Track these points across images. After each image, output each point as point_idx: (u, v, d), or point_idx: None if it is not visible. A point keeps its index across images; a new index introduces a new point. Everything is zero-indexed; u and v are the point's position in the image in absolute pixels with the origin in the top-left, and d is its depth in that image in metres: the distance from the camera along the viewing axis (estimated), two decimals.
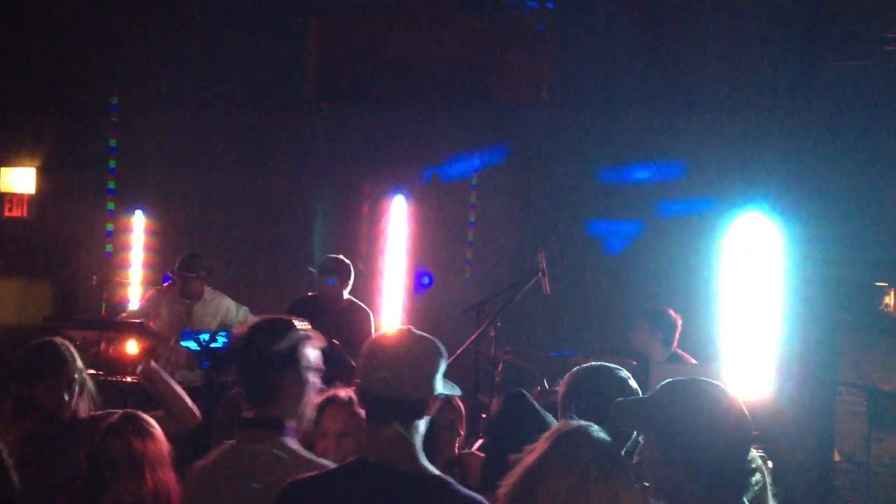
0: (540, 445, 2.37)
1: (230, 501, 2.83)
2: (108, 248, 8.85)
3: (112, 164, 8.93)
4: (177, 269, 7.27)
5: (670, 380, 2.59)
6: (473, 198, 8.30)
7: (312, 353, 2.97)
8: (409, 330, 2.60)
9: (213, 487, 2.88)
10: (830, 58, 7.23)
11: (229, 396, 4.03)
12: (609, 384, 3.03)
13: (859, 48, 7.13)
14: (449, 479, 2.51)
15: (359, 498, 2.45)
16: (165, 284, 7.54)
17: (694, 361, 6.06)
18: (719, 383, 2.60)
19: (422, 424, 2.51)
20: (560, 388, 3.14)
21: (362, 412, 3.00)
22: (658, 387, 2.56)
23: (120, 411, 3.47)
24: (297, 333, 2.95)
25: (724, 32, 7.57)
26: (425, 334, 2.59)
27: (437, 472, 2.50)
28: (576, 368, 3.15)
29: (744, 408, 2.57)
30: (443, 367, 2.55)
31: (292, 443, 2.87)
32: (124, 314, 7.50)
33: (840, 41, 7.21)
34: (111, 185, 8.94)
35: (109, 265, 8.69)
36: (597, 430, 2.38)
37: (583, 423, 2.40)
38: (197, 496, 2.97)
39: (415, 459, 2.48)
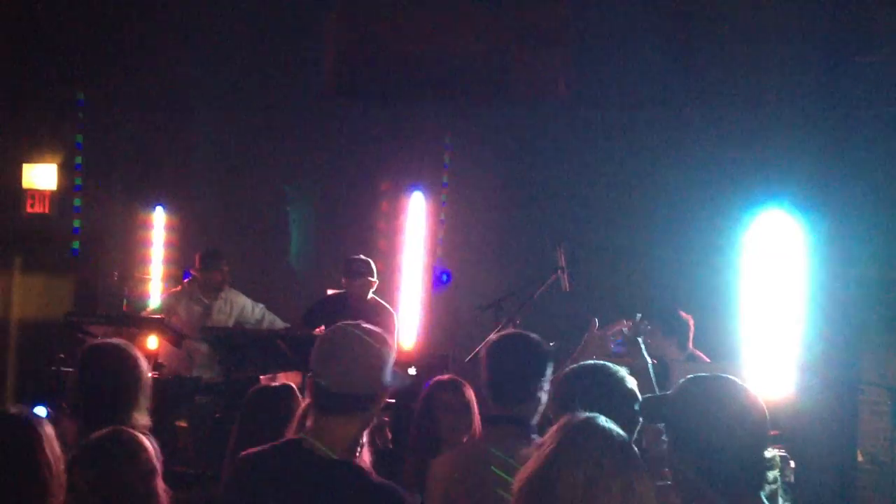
0: (549, 439, 2.36)
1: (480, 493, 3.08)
2: (75, 244, 8.88)
3: (78, 160, 8.95)
4: (199, 265, 7.31)
5: (692, 376, 2.61)
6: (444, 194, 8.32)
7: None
8: (359, 325, 2.70)
9: (461, 480, 3.15)
10: (855, 53, 7.15)
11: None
12: (604, 382, 3.04)
13: (884, 44, 7.04)
14: (364, 468, 2.62)
15: (286, 478, 2.59)
16: (185, 281, 7.58)
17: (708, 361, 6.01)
18: (739, 380, 2.60)
19: (367, 416, 2.64)
20: (551, 388, 3.17)
21: None
22: (679, 383, 2.58)
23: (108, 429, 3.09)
24: (549, 348, 3.36)
25: (747, 28, 7.51)
26: (376, 329, 2.70)
27: (360, 464, 2.63)
28: (569, 368, 3.17)
29: (762, 405, 2.57)
30: (391, 359, 2.69)
31: (537, 439, 3.13)
32: (144, 313, 7.53)
33: (865, 37, 7.13)
34: (77, 181, 8.94)
35: (133, 261, 8.72)
36: (604, 421, 2.38)
37: (589, 414, 2.40)
38: (446, 485, 3.21)
39: (348, 449, 2.61)
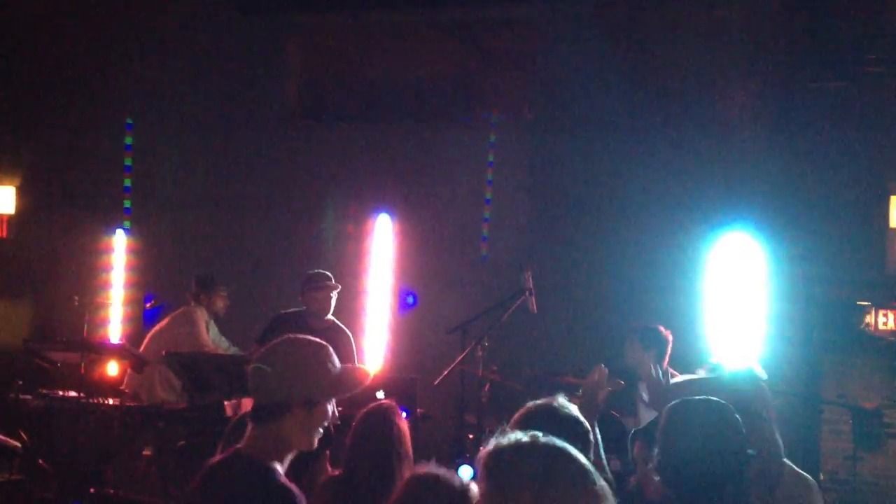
0: (481, 480, 2.11)
1: None
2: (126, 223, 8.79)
3: (127, 182, 8.86)
4: (211, 287, 7.24)
5: (675, 402, 2.68)
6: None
7: None
8: (287, 338, 2.75)
9: None
10: (812, 79, 7.31)
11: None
12: (556, 421, 2.90)
13: (841, 70, 7.20)
14: (274, 469, 2.64)
15: (209, 478, 2.68)
16: (148, 304, 7.49)
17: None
18: (715, 400, 2.68)
19: (286, 424, 2.63)
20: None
21: None
22: (664, 410, 2.66)
23: None
24: None
25: (707, 54, 7.64)
26: (308, 340, 2.73)
27: (276, 465, 2.65)
28: (525, 408, 3.02)
29: (737, 422, 2.65)
30: (312, 372, 2.66)
31: None
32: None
33: (822, 63, 7.29)
34: (126, 203, 8.86)
35: (93, 286, 8.60)
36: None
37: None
38: None
39: (266, 453, 2.65)
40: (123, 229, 8.91)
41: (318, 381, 2.68)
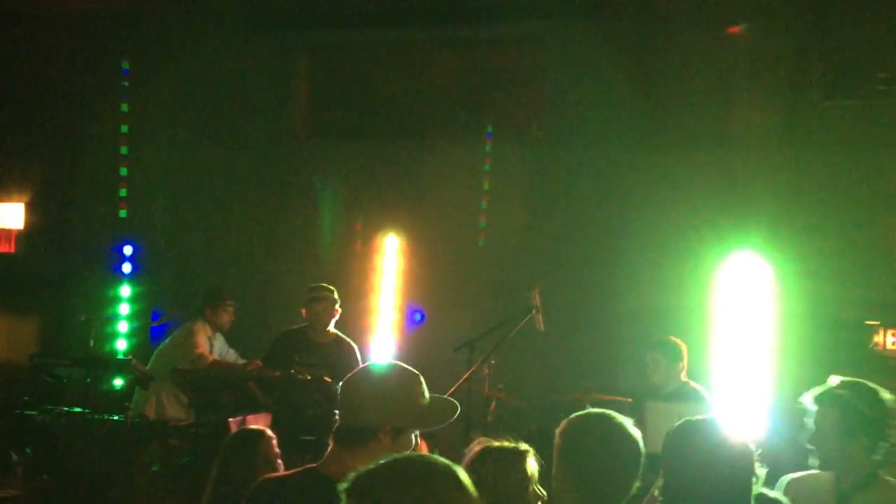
0: None
1: None
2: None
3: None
4: (217, 301, 7.21)
5: (677, 424, 2.66)
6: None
7: None
8: (382, 364, 2.84)
9: None
10: (823, 97, 7.29)
11: None
12: (608, 432, 2.85)
13: (850, 87, 7.19)
14: None
15: (296, 498, 2.67)
16: (155, 321, 7.48)
17: (703, 392, 6.11)
18: (717, 420, 2.66)
19: (372, 449, 2.60)
20: (557, 440, 2.93)
21: None
22: (667, 433, 2.63)
23: None
24: None
25: (716, 71, 7.63)
26: (402, 368, 2.78)
27: None
28: (571, 417, 2.96)
29: (743, 440, 2.63)
30: (403, 401, 2.67)
31: None
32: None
33: (832, 81, 7.28)
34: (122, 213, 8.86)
35: (100, 301, 8.60)
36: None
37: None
38: None
39: (344, 476, 2.55)
40: (131, 244, 8.91)
41: (408, 411, 2.68)
